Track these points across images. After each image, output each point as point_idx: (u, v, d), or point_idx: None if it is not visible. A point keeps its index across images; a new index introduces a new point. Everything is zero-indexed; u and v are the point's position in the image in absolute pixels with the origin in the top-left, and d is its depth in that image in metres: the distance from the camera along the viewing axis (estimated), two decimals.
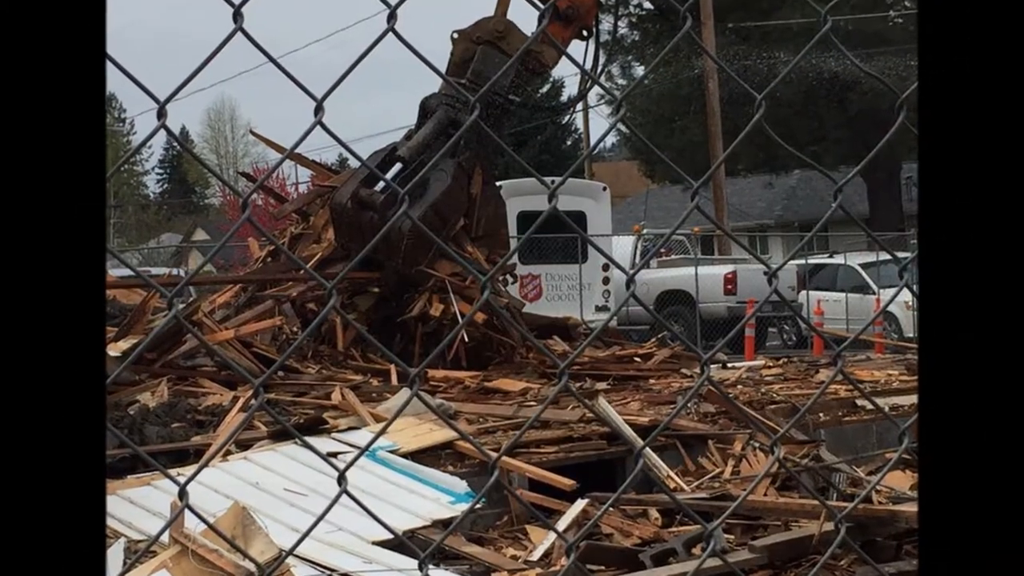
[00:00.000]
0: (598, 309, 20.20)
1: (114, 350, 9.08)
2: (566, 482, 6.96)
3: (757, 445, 7.96)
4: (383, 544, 5.81)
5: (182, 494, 1.66)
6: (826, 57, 27.34)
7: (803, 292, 22.83)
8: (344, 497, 1.76)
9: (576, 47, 12.49)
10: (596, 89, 33.80)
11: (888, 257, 20.60)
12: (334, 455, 6.82)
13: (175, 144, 71.30)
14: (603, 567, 6.01)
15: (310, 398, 9.01)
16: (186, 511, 1.65)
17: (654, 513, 6.77)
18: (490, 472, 1.90)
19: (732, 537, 6.45)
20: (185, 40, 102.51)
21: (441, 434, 7.44)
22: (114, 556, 5.31)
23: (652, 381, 10.57)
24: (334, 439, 7.39)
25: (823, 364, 12.08)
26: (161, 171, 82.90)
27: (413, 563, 5.49)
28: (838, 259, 25.60)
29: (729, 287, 21.70)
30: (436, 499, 6.69)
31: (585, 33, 12.36)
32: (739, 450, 7.93)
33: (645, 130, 34.82)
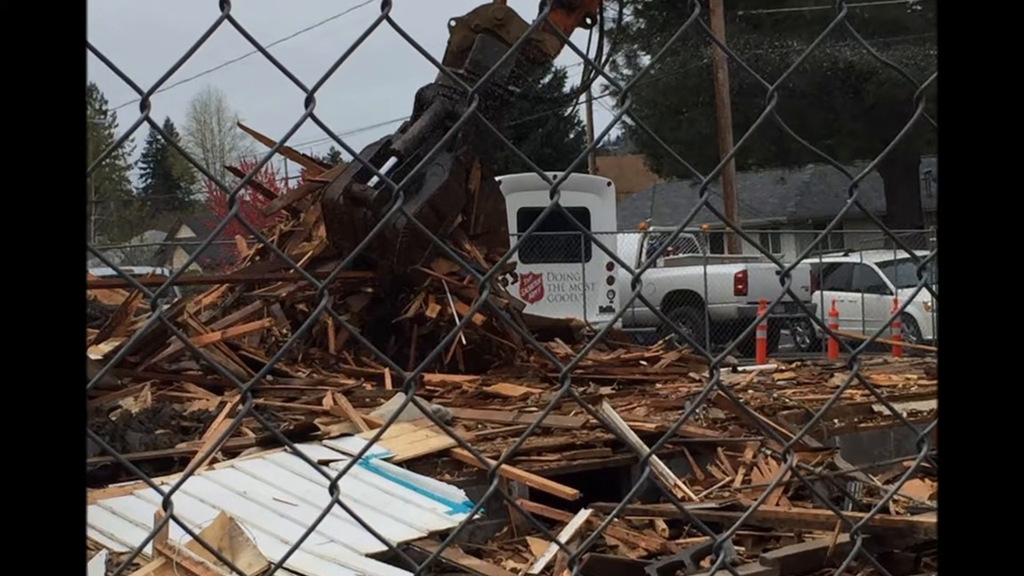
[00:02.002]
0: (602, 310, 20.20)
1: (95, 353, 9.09)
2: (569, 491, 6.96)
3: (769, 452, 7.96)
4: (377, 556, 5.81)
5: (166, 504, 1.66)
6: (841, 46, 27.37)
7: (817, 292, 22.84)
8: (336, 507, 1.76)
9: (579, 35, 12.50)
10: (600, 80, 33.82)
11: (906, 255, 20.61)
12: (326, 463, 6.82)
13: (159, 137, 71.22)
14: None
15: (300, 403, 9.01)
16: (171, 522, 1.65)
17: (661, 524, 6.78)
18: (489, 481, 1.90)
19: (743, 549, 6.46)
20: (169, 28, 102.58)
21: (438, 441, 7.45)
22: (95, 569, 5.32)
23: (659, 385, 10.58)
24: (326, 446, 7.39)
25: (838, 368, 12.09)
26: (144, 165, 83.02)
27: None
28: (854, 258, 25.61)
29: (739, 287, 21.71)
30: (432, 509, 6.69)
31: (589, 21, 12.37)
32: (750, 458, 7.94)
33: (651, 123, 34.84)
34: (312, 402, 8.95)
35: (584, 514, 6.65)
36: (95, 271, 13.58)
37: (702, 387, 10.08)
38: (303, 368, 10.72)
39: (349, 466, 1.94)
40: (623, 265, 2.19)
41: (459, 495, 6.90)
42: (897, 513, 6.71)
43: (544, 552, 6.29)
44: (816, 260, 24.12)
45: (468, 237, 11.72)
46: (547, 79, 45.94)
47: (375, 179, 11.24)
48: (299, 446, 7.05)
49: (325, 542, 5.80)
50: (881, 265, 24.05)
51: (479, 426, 8.38)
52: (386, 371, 10.42)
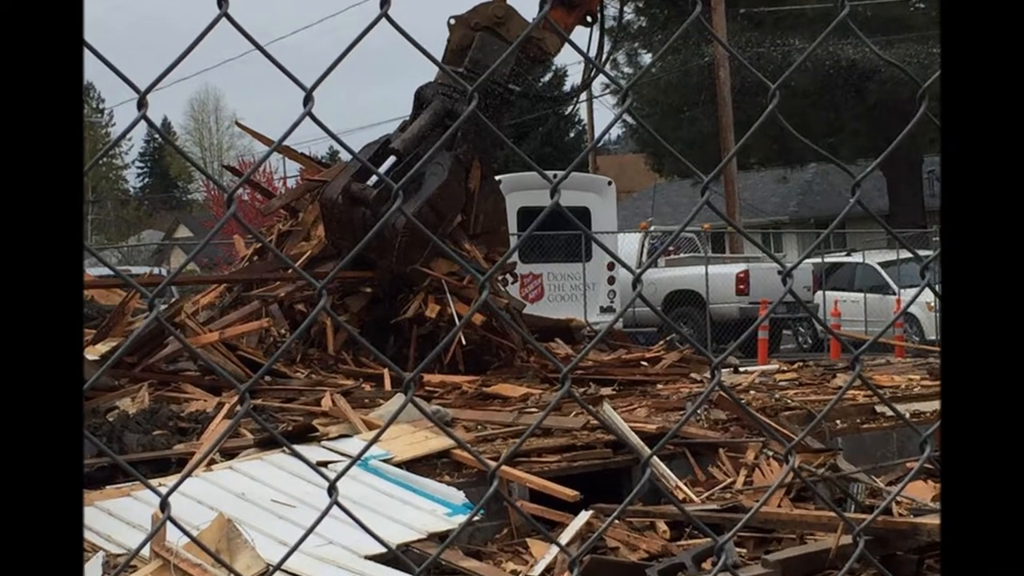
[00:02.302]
0: (603, 310, 20.20)
1: (92, 353, 9.09)
2: (569, 493, 6.96)
3: (771, 454, 7.96)
4: (376, 558, 5.81)
5: (164, 505, 1.66)
6: (844, 44, 27.36)
7: (819, 292, 22.83)
8: (335, 509, 1.76)
9: (580, 34, 12.52)
10: (601, 78, 33.82)
11: (909, 255, 20.60)
12: (324, 464, 6.82)
13: (156, 136, 71.34)
14: None
15: (299, 404, 9.01)
16: (168, 523, 1.65)
17: (662, 526, 6.77)
18: (489, 482, 1.90)
19: (744, 551, 6.46)
20: (168, 26, 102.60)
21: (437, 442, 7.45)
22: (92, 571, 5.31)
23: (660, 386, 10.58)
24: (324, 447, 7.39)
25: (840, 368, 12.09)
26: (142, 165, 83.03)
27: None
28: (856, 257, 25.60)
29: (741, 287, 21.71)
30: (432, 511, 6.69)
31: (589, 19, 12.37)
32: (752, 459, 7.94)
33: (652, 121, 34.83)
34: (311, 403, 8.95)
35: (585, 516, 6.65)
36: (92, 271, 13.59)
37: (703, 388, 10.08)
38: (301, 369, 10.72)
39: (348, 467, 1.94)
40: (624, 265, 2.19)
41: (459, 496, 6.89)
42: (900, 515, 6.71)
43: (544, 554, 6.29)
44: (818, 260, 24.11)
45: (468, 237, 11.72)
46: (547, 77, 45.93)
47: (374, 178, 11.25)
48: (297, 447, 7.06)
49: (324, 544, 5.80)
50: (884, 265, 24.05)
51: (479, 427, 8.38)
52: (385, 372, 10.42)
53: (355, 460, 2.14)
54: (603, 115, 45.05)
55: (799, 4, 31.10)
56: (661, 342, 13.41)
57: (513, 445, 7.71)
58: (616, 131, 57.35)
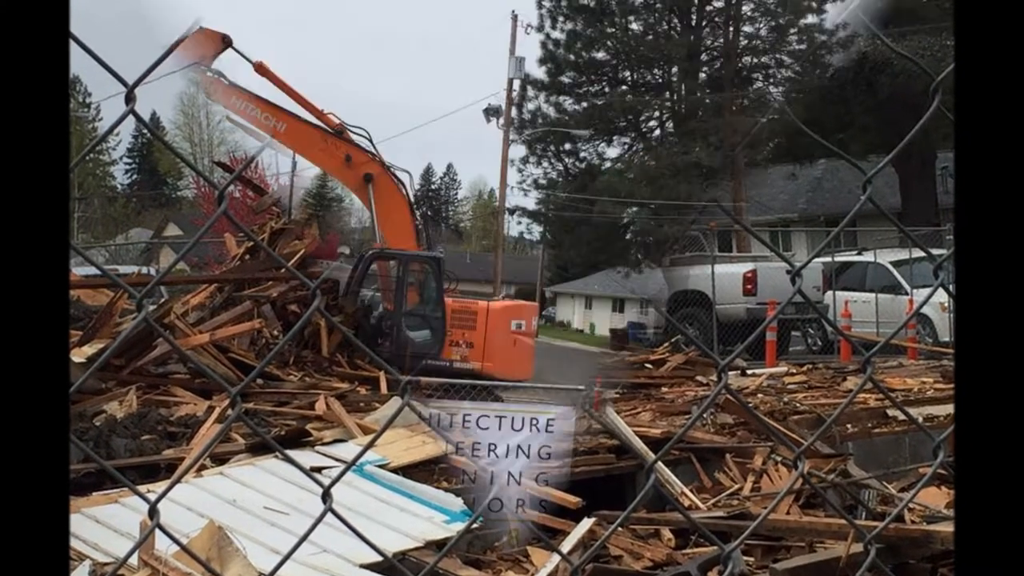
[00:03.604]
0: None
1: (78, 355, 9.09)
2: (571, 499, 6.97)
3: (779, 459, 7.97)
4: (372, 567, 5.81)
5: (152, 512, 1.66)
6: (855, 36, 27.37)
7: (829, 292, 22.83)
8: (329, 516, 1.76)
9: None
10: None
11: (922, 254, 20.59)
12: (318, 470, 6.82)
13: (145, 131, 71.35)
14: None
15: (292, 408, 9.02)
16: (157, 531, 1.65)
17: (667, 533, 6.78)
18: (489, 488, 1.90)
19: (752, 559, 6.46)
20: (157, 16, 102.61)
21: (435, 447, 7.45)
22: None
23: (665, 389, 10.59)
24: (318, 452, 7.40)
25: (851, 371, 12.10)
26: (130, 161, 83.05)
27: None
28: (867, 256, 25.59)
29: (749, 287, 21.71)
30: (429, 518, 6.70)
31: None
32: (759, 465, 7.94)
33: None
34: (304, 406, 8.96)
35: (587, 523, 6.66)
36: (78, 270, 13.59)
37: (709, 391, 10.09)
38: (295, 371, 10.74)
39: (343, 473, 1.94)
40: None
41: (457, 503, 6.90)
42: (912, 522, 6.71)
43: (546, 562, 6.29)
44: (828, 259, 24.10)
45: None
46: None
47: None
48: (291, 452, 7.07)
49: (318, 552, 5.80)
50: (896, 264, 24.04)
51: None
52: (381, 374, 10.42)
53: (350, 465, 2.14)
54: None
55: None
56: (666, 344, 13.42)
57: None
58: None
